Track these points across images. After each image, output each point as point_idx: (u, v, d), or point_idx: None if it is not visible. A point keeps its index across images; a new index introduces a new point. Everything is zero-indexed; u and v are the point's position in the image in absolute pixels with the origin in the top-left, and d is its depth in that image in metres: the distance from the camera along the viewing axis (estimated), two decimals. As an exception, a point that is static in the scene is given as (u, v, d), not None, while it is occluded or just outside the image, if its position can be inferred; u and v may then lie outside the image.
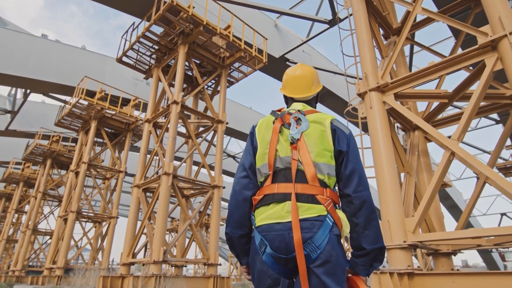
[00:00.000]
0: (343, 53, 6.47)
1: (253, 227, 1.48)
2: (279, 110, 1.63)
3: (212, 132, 10.40)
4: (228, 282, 8.54)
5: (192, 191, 10.34)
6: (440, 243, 4.16)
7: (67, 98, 15.75)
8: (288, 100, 1.76)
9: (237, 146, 25.51)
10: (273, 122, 1.56)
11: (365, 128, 5.79)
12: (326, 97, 17.76)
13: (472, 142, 19.86)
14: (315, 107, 1.76)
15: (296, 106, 1.64)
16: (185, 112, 10.50)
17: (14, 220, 26.44)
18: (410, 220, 3.70)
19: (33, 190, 21.13)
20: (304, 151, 1.44)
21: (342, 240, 1.45)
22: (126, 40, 11.07)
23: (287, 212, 1.36)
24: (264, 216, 1.41)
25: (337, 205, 1.44)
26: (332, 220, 1.36)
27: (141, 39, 10.15)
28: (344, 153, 1.46)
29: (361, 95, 4.65)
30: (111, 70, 16.35)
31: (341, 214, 1.41)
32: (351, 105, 6.16)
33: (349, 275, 1.43)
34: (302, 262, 1.28)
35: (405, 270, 3.44)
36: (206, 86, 12.20)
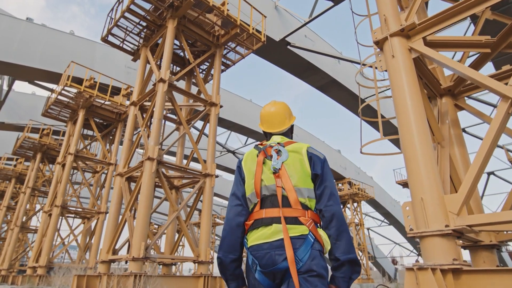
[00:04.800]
0: (353, 11, 5.48)
1: (245, 249, 1.64)
2: (261, 144, 1.84)
3: (206, 122, 9.43)
4: (221, 282, 7.56)
5: (183, 181, 9.36)
6: (496, 229, 3.14)
7: (55, 87, 14.82)
8: (267, 134, 1.94)
9: (237, 141, 24.47)
10: (257, 156, 1.76)
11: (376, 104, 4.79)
12: (330, 86, 16.75)
13: (482, 135, 18.73)
14: (291, 137, 1.97)
15: (275, 139, 1.84)
16: (175, 94, 9.56)
17: (8, 218, 25.63)
18: (452, 198, 2.69)
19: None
20: (286, 179, 1.63)
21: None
22: (111, 18, 10.13)
23: (273, 233, 1.54)
24: (254, 238, 1.59)
25: (318, 225, 1.62)
26: (314, 237, 1.53)
27: (127, 14, 9.19)
28: (319, 176, 1.66)
29: (379, 44, 3.64)
30: (101, 57, 15.42)
31: (322, 232, 1.58)
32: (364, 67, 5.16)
33: None
34: (295, 272, 1.45)
35: (450, 265, 2.44)
36: (200, 70, 11.26)
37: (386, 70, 3.52)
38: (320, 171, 1.66)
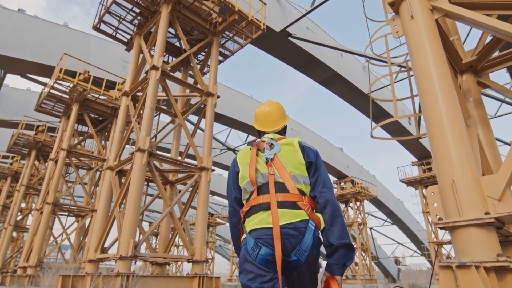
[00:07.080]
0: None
1: (244, 234, 1.67)
2: (254, 141, 1.90)
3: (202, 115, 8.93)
4: (217, 283, 7.06)
5: (178, 176, 8.86)
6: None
7: (47, 81, 14.35)
8: (260, 133, 2.03)
9: (237, 139, 23.95)
10: (250, 149, 1.83)
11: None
12: (332, 80, 16.22)
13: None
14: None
15: (268, 135, 1.93)
16: (172, 86, 9.07)
17: (6, 218, 25.17)
18: (491, 179, 2.18)
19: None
20: (281, 168, 1.69)
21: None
22: (103, 6, 9.65)
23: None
24: (254, 222, 1.61)
25: (314, 210, 1.66)
26: (314, 224, 1.57)
27: (119, 0, 8.72)
28: (313, 164, 1.72)
29: (394, 5, 3.13)
30: (96, 50, 14.93)
31: (318, 214, 1.63)
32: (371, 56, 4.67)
33: (325, 277, 1.57)
34: (279, 258, 1.49)
35: (495, 262, 1.93)
36: (197, 62, 10.77)
37: (403, 35, 3.01)
38: (314, 160, 1.72)
